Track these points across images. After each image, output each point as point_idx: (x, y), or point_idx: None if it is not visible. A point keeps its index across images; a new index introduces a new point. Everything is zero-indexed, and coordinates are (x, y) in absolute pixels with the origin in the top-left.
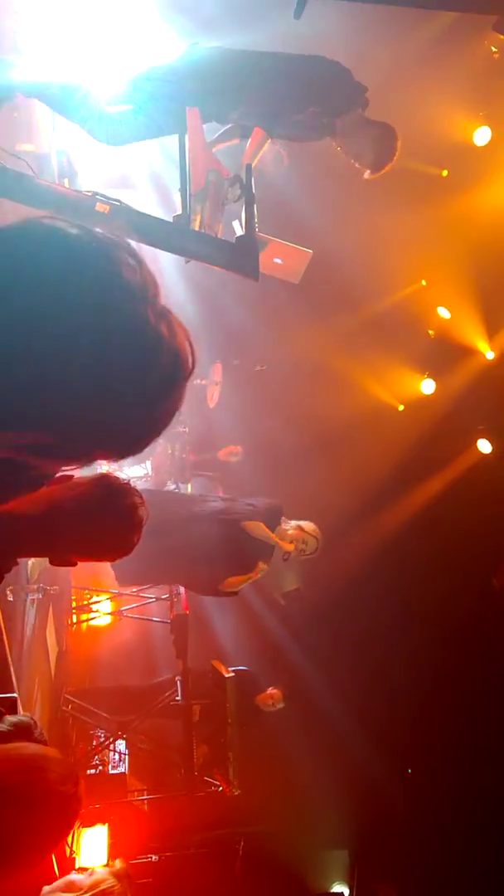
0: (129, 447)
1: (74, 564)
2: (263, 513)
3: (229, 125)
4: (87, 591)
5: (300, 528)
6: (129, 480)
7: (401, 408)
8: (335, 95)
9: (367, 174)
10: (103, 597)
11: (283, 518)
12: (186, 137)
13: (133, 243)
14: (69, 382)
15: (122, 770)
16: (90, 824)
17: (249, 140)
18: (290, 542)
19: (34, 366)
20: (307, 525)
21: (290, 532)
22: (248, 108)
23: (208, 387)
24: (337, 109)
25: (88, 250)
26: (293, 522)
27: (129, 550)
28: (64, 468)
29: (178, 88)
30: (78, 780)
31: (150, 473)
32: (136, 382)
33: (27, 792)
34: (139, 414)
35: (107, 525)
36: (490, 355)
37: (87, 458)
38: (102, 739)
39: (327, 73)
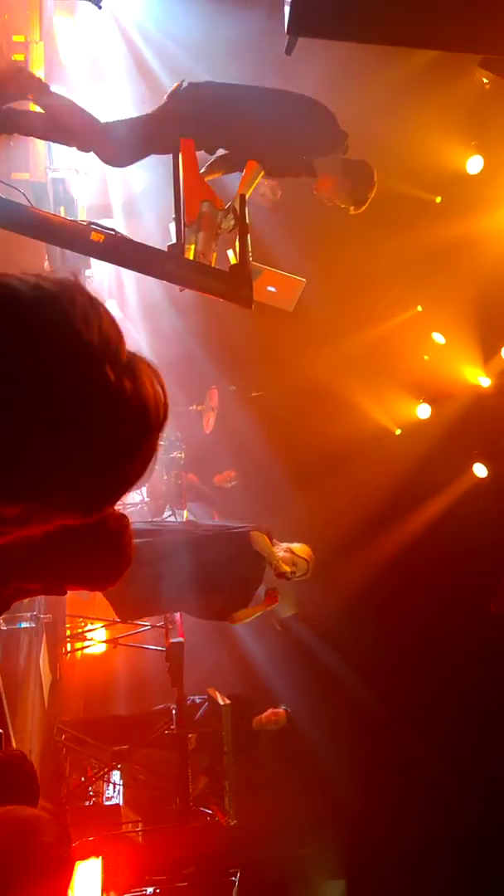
0: (97, 507)
1: (64, 593)
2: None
3: (215, 157)
4: (81, 619)
5: (290, 550)
6: (116, 506)
7: (398, 432)
8: (317, 138)
9: (352, 210)
10: (98, 625)
11: (273, 541)
12: (181, 167)
13: (91, 291)
14: (28, 453)
15: (117, 801)
16: (83, 857)
17: (243, 172)
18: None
19: None
20: (298, 547)
21: (280, 555)
22: (234, 144)
23: (204, 412)
24: (317, 150)
25: (40, 311)
26: (284, 545)
27: (119, 576)
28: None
29: (169, 124)
30: (70, 842)
31: (146, 500)
32: (100, 448)
33: (24, 857)
34: (105, 477)
35: (92, 549)
36: (486, 382)
37: (50, 522)
38: (96, 770)
39: (312, 115)
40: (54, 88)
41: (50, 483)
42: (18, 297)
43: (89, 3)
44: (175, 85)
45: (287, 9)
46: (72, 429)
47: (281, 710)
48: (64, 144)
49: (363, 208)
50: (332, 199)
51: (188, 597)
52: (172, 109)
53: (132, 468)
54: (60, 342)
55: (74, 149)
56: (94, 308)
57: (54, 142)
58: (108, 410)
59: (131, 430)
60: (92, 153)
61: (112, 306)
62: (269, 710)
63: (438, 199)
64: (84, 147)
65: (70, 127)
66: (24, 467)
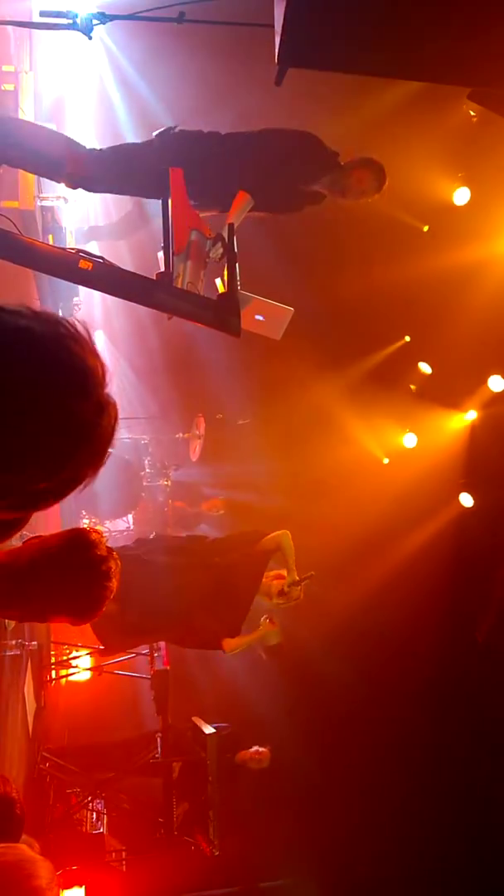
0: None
1: (45, 621)
2: None
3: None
4: (66, 647)
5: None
6: (99, 534)
7: (385, 461)
8: (310, 168)
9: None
10: (83, 652)
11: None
12: (170, 197)
13: (84, 331)
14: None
15: (100, 830)
16: (67, 886)
17: (233, 203)
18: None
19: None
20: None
21: (275, 581)
22: (224, 184)
23: (191, 440)
24: (312, 177)
25: (39, 347)
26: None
27: (99, 603)
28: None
29: (152, 161)
30: (56, 880)
31: (132, 527)
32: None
33: None
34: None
35: (75, 577)
36: (471, 414)
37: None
38: (80, 798)
39: (300, 148)
40: (43, 120)
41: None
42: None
43: (79, 34)
44: (165, 127)
45: (277, 40)
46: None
47: (264, 749)
48: (44, 176)
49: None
50: (356, 199)
51: (179, 620)
52: (159, 150)
53: (91, 445)
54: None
55: (56, 182)
56: (90, 343)
57: (35, 173)
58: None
59: (91, 408)
60: (66, 180)
61: (99, 336)
62: (253, 748)
63: (426, 228)
64: (60, 171)
65: (43, 151)
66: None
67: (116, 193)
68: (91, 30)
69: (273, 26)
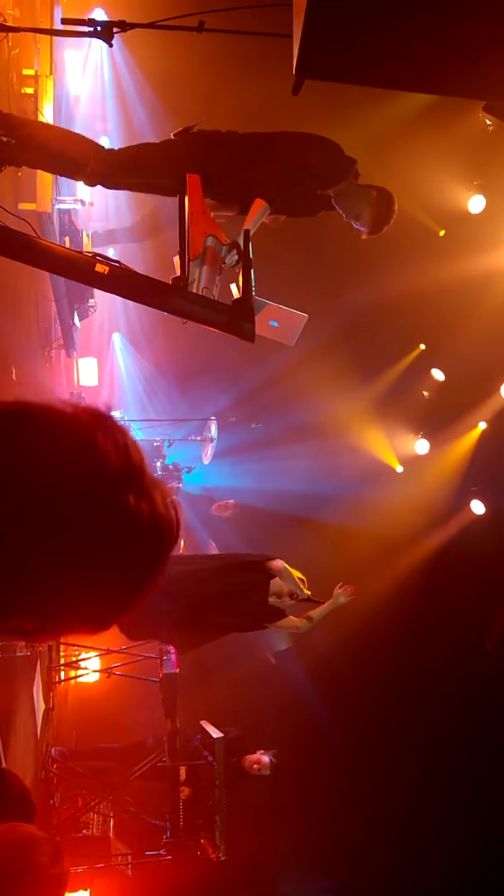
0: (107, 623)
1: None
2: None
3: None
4: (75, 648)
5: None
6: None
7: (399, 469)
8: (326, 171)
9: (364, 235)
10: (92, 654)
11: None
12: (186, 202)
13: (118, 420)
14: (51, 573)
15: (107, 832)
16: (72, 889)
17: (249, 210)
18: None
19: (16, 556)
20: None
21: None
22: (240, 192)
23: (204, 443)
24: (328, 183)
25: (73, 437)
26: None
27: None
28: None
29: (171, 159)
30: (64, 859)
31: None
32: (117, 567)
33: (22, 879)
34: (120, 595)
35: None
36: (484, 419)
37: (66, 633)
38: (87, 800)
39: (318, 151)
40: (61, 122)
41: (69, 601)
42: (57, 422)
43: (99, 40)
44: (185, 126)
45: (295, 50)
46: (91, 550)
47: (266, 758)
48: (63, 175)
49: (378, 234)
50: (350, 220)
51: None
52: (178, 148)
53: (145, 585)
54: (89, 468)
55: (75, 180)
56: (122, 436)
57: (54, 173)
58: (126, 533)
59: (145, 549)
60: (85, 179)
61: (116, 338)
62: (257, 754)
63: (442, 233)
64: (80, 169)
65: (63, 151)
66: (46, 586)
67: (135, 191)
68: (112, 37)
69: (291, 37)
